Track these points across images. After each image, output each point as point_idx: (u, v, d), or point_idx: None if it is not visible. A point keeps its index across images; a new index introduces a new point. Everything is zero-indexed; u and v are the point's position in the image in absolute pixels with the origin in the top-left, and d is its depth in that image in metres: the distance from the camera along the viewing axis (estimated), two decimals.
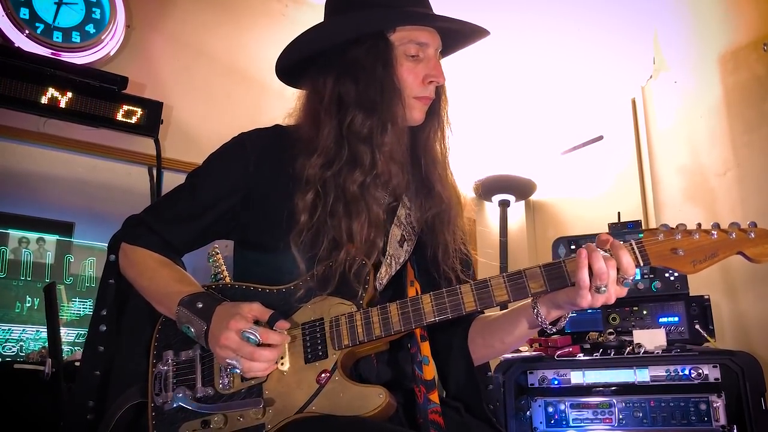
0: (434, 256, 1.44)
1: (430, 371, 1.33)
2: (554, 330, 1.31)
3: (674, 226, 1.20)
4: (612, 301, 1.17)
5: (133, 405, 1.32)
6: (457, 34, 1.47)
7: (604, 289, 1.14)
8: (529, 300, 1.28)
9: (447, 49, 1.50)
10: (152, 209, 1.48)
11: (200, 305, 1.26)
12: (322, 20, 1.48)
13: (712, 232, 1.18)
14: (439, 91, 1.46)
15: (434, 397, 1.29)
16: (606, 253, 1.16)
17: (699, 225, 1.20)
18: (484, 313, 1.46)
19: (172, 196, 1.47)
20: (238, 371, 1.22)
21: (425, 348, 1.34)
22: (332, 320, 1.28)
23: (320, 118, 1.38)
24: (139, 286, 1.39)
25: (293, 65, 1.47)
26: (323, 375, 1.24)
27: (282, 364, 1.26)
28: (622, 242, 1.18)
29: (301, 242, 1.30)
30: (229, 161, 1.44)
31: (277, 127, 1.48)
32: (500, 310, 1.44)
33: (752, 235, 1.17)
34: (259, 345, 1.21)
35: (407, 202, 1.46)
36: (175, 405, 1.27)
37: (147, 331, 1.38)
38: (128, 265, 1.41)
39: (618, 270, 1.15)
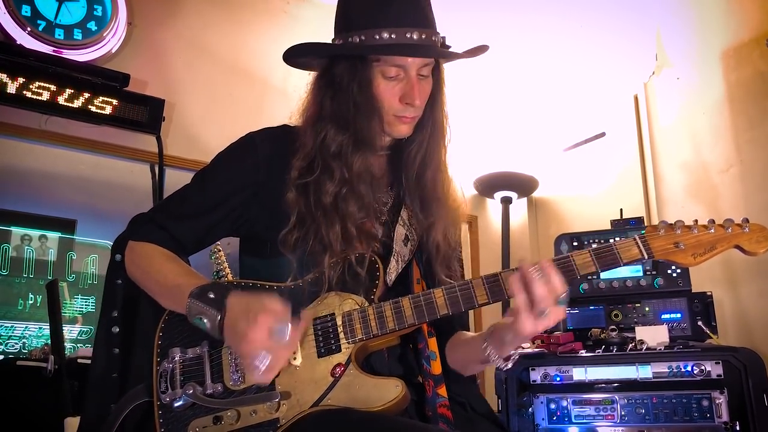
0: (429, 261, 1.47)
1: (437, 366, 1.35)
2: (508, 366, 1.33)
3: (673, 223, 1.26)
4: (552, 323, 1.18)
5: (138, 404, 1.31)
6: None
7: (547, 312, 1.16)
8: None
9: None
10: (160, 207, 1.48)
11: (212, 295, 1.25)
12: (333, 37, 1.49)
13: (710, 227, 1.25)
14: (433, 100, 1.44)
15: (442, 391, 1.32)
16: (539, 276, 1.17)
17: (696, 221, 1.26)
18: (467, 328, 1.50)
19: (180, 194, 1.47)
20: (265, 365, 1.17)
21: (432, 344, 1.37)
22: (344, 315, 1.29)
23: (304, 125, 1.43)
24: (146, 282, 1.38)
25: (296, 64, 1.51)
26: (338, 368, 1.24)
27: (294, 359, 1.26)
28: (624, 238, 1.23)
29: (293, 239, 1.33)
30: (238, 159, 1.45)
31: (284, 126, 1.50)
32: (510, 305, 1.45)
33: (747, 229, 1.24)
34: None
35: (409, 203, 1.48)
36: (183, 402, 1.26)
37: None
38: (134, 261, 1.40)
39: (549, 290, 1.17)
